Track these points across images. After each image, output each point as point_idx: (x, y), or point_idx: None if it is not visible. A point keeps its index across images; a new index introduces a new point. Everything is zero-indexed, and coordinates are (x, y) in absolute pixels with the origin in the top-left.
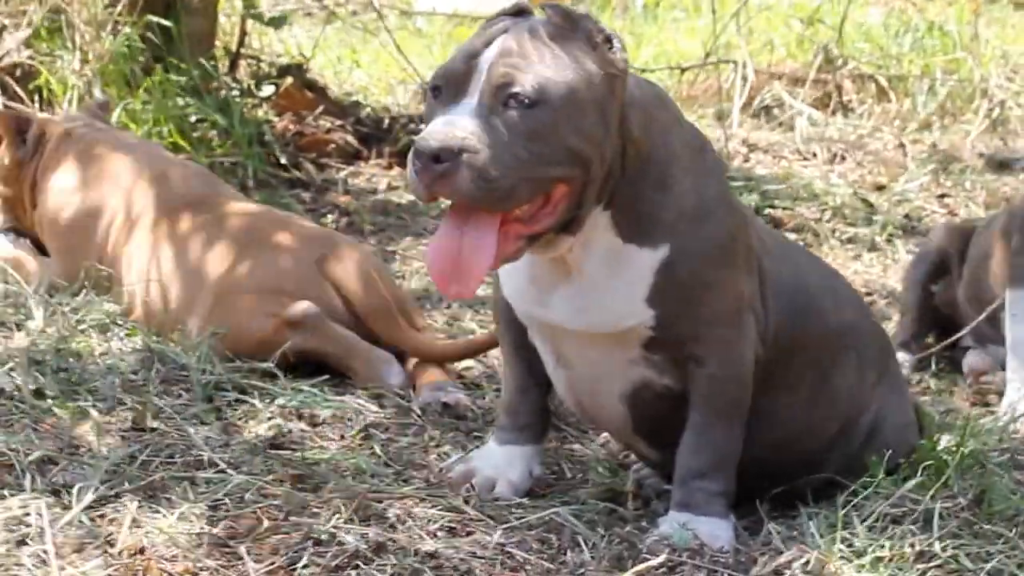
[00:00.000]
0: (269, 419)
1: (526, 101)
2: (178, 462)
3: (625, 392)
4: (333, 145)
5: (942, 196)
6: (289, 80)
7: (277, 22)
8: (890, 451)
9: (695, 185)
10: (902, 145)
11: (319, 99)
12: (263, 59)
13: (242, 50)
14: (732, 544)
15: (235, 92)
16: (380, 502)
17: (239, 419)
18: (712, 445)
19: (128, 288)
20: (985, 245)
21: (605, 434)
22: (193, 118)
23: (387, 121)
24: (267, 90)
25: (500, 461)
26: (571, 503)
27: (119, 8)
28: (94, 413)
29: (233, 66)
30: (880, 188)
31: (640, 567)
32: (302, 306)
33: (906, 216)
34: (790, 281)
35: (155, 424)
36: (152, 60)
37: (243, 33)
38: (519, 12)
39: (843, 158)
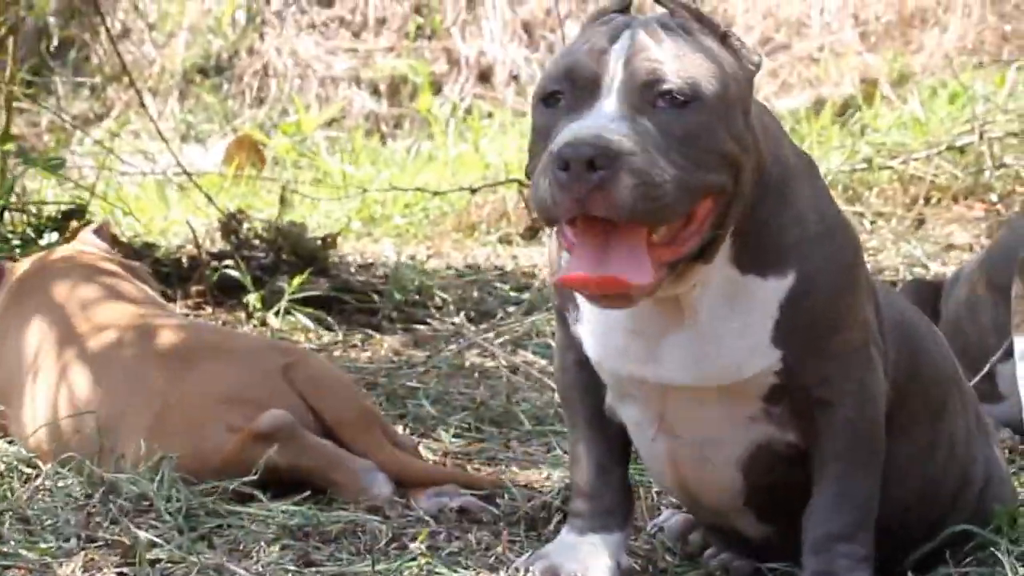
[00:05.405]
0: (274, 540)
1: (679, 99)
2: None
3: (741, 457)
4: None
5: None
6: (74, 224)
7: (55, 166)
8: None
9: (813, 202)
10: None
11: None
12: (29, 208)
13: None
14: None
15: (16, 242)
16: None
17: (238, 546)
18: (854, 501)
19: (31, 425)
20: (964, 297)
21: (661, 518)
22: None
23: (185, 260)
24: (50, 236)
25: (583, 554)
26: None
27: None
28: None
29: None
30: None
31: None
32: (273, 415)
33: None
34: (895, 313)
35: (150, 556)
36: None
37: (10, 180)
38: (624, 9)
39: None
